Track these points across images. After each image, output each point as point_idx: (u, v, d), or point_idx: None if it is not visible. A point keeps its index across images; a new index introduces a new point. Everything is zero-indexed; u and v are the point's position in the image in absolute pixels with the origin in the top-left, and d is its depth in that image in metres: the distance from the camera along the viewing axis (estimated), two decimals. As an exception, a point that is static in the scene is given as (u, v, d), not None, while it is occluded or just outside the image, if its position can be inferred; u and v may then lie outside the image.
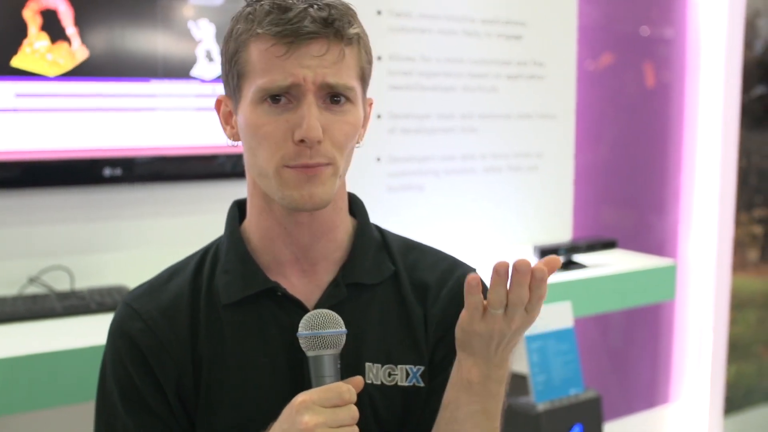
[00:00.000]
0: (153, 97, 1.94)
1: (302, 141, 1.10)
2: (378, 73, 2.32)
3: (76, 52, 1.84)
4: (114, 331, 1.22)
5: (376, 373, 1.22)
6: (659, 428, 3.19)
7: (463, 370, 1.13)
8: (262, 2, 1.13)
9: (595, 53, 2.83)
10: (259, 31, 1.11)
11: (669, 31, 3.02)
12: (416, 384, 1.23)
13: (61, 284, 1.92)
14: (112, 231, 1.99)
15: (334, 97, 1.13)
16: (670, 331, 3.18)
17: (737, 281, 3.21)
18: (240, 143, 1.19)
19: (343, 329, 1.11)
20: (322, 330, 1.10)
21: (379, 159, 2.36)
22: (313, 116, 1.09)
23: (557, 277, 2.25)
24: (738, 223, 3.18)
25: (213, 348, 1.20)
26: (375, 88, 2.29)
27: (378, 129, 2.34)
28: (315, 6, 1.11)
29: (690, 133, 3.10)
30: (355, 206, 1.30)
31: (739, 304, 3.25)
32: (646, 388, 3.16)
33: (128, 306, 1.22)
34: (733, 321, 3.23)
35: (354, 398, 1.07)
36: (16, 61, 1.78)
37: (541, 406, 2.16)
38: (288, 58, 1.10)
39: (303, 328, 1.11)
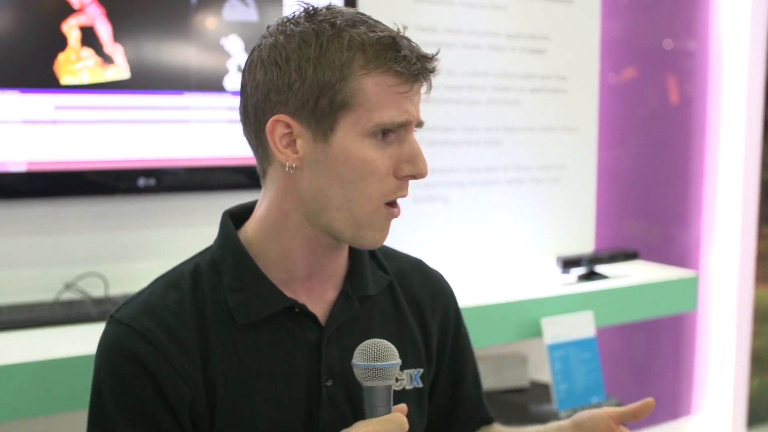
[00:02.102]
0: (186, 110, 2.00)
1: (411, 176, 1.12)
2: (404, 86, 2.37)
3: (112, 66, 1.90)
4: (113, 353, 1.14)
5: None
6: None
7: None
8: (345, 29, 1.11)
9: (617, 66, 2.86)
10: (379, 67, 1.10)
11: (692, 43, 3.04)
12: (416, 386, 1.28)
13: (96, 290, 1.97)
14: (145, 239, 2.04)
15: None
16: (693, 343, 3.19)
17: (760, 293, 3.22)
18: (292, 167, 1.14)
19: (398, 361, 1.10)
20: (380, 363, 1.09)
21: (404, 170, 2.40)
22: (422, 153, 1.13)
23: (580, 287, 2.28)
24: (761, 236, 3.19)
25: (228, 369, 1.16)
26: (401, 101, 2.35)
27: (403, 141, 2.39)
28: (415, 50, 1.12)
29: (712, 146, 3.12)
30: None
31: (762, 317, 3.25)
32: (669, 400, 3.16)
33: (125, 325, 1.15)
34: (756, 333, 3.24)
35: (407, 427, 1.08)
36: (56, 74, 1.85)
37: (563, 414, 2.18)
38: (407, 96, 1.11)
39: (359, 359, 1.09)
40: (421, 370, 1.29)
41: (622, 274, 2.43)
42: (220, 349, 1.16)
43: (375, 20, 1.16)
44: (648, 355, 3.06)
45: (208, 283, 1.19)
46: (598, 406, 2.27)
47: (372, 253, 1.31)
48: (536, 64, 2.58)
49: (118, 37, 1.89)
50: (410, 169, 1.12)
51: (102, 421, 1.14)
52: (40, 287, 1.94)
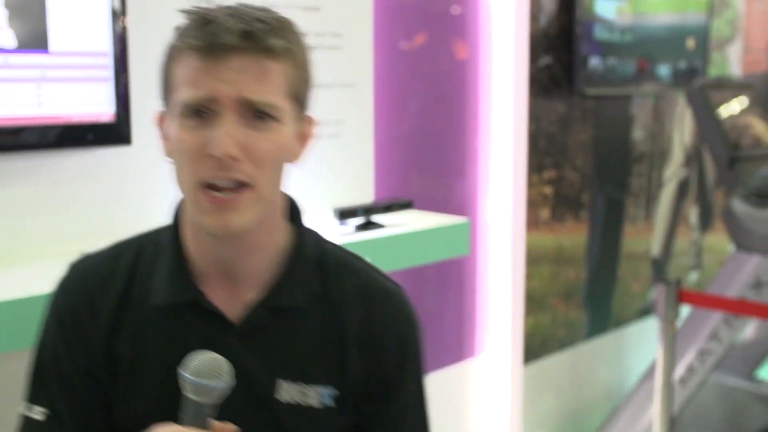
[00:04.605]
0: None
1: (209, 156, 1.08)
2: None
3: None
4: (53, 295, 1.27)
5: (288, 390, 1.22)
6: (467, 381, 3.39)
7: None
8: (193, 15, 1.12)
9: (394, 29, 2.96)
10: (181, 45, 1.11)
11: (457, 8, 3.19)
12: (327, 405, 1.24)
13: None
14: None
15: (258, 114, 1.10)
16: (474, 288, 3.38)
17: (531, 238, 3.45)
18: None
19: (226, 383, 1.09)
20: (204, 381, 1.08)
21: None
22: (225, 131, 1.07)
23: (356, 237, 2.37)
24: (530, 184, 3.41)
25: (135, 346, 1.21)
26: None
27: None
28: (239, 18, 1.09)
29: (485, 102, 3.30)
30: (295, 215, 1.28)
31: (533, 260, 3.49)
32: (454, 343, 3.34)
33: (67, 278, 1.28)
34: (529, 276, 3.47)
35: None
36: None
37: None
38: (207, 72, 1.08)
39: (186, 371, 1.09)
40: (337, 393, 1.24)
41: (398, 224, 2.55)
42: (131, 326, 1.21)
43: (249, 8, 1.13)
44: (432, 302, 3.22)
45: (146, 264, 1.24)
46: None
47: (320, 257, 1.27)
48: (310, 22, 2.63)
49: None
50: (209, 148, 1.08)
51: (37, 351, 1.26)
52: None
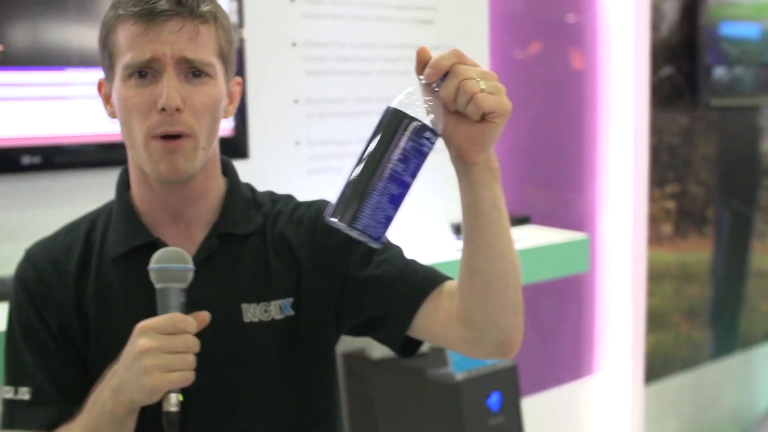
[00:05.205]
0: (68, 86, 1.97)
1: (163, 110, 1.20)
2: (293, 59, 2.38)
3: (-11, 42, 1.87)
4: (14, 278, 1.35)
5: (253, 311, 1.33)
6: (586, 398, 3.31)
7: (465, 158, 1.14)
8: None
9: (509, 39, 2.93)
10: (121, 12, 1.22)
11: (573, 16, 3.13)
12: (288, 315, 1.35)
13: (-18, 271, 1.95)
14: (31, 218, 2.01)
15: (194, 72, 1.23)
16: (593, 305, 3.30)
17: (653, 255, 3.34)
18: (118, 120, 1.28)
19: (189, 266, 1.21)
20: (168, 264, 1.20)
21: (298, 143, 2.42)
22: (170, 86, 1.20)
23: (472, 252, 2.34)
24: (652, 199, 3.31)
25: (101, 300, 1.31)
26: (290, 74, 2.37)
27: (296, 114, 2.40)
28: None
29: (604, 114, 3.22)
30: (227, 168, 1.42)
31: (655, 276, 3.38)
32: (572, 360, 3.27)
33: (26, 257, 1.37)
34: (651, 293, 3.37)
35: (191, 329, 1.18)
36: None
37: (459, 376, 2.24)
38: (147, 36, 1.20)
39: (152, 263, 1.20)
40: (291, 299, 1.35)
41: (514, 239, 2.50)
42: (96, 283, 1.31)
43: None
44: (549, 318, 3.16)
45: (101, 228, 1.36)
46: (494, 368, 2.34)
47: (255, 199, 1.42)
48: (425, 34, 2.63)
49: (-7, 12, 1.86)
50: (159, 101, 1.19)
51: (8, 334, 1.34)
52: None
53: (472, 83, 1.04)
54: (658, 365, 3.47)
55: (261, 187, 2.29)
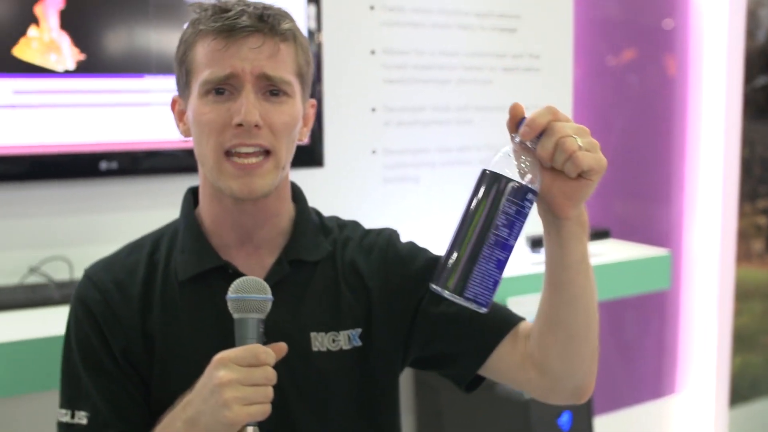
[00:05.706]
0: (147, 93, 2.00)
1: (240, 125, 1.18)
2: (372, 67, 2.37)
3: (74, 50, 1.90)
4: (74, 299, 1.32)
5: (322, 341, 1.31)
6: (666, 419, 3.21)
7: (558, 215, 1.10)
8: (207, 8, 1.23)
9: (593, 45, 2.85)
10: (201, 28, 1.21)
11: (670, 22, 3.03)
12: (355, 345, 1.32)
13: (61, 274, 1.99)
14: (109, 222, 2.05)
15: (272, 90, 1.22)
16: (676, 322, 3.19)
17: (742, 272, 3.21)
18: (191, 138, 1.27)
19: (269, 296, 1.18)
20: (248, 294, 1.16)
21: (374, 151, 2.40)
22: (249, 102, 1.18)
23: (548, 267, 2.28)
24: (742, 213, 3.18)
25: (167, 322, 1.29)
26: (369, 82, 2.35)
27: (373, 122, 2.39)
28: (251, 6, 1.22)
29: (693, 124, 3.11)
30: (297, 194, 1.40)
31: (743, 295, 3.25)
32: (653, 379, 3.17)
33: (87, 277, 1.33)
34: (738, 312, 3.24)
35: (270, 361, 1.13)
36: (15, 58, 1.85)
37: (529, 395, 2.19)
38: (227, 51, 1.19)
39: (231, 292, 1.17)
40: (359, 330, 1.33)
41: (593, 254, 2.43)
42: (162, 304, 1.29)
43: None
44: (631, 335, 3.07)
45: (165, 248, 1.33)
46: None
47: (323, 225, 1.40)
48: (508, 42, 2.57)
49: (77, 21, 1.89)
50: (237, 117, 1.18)
51: (68, 356, 1.30)
52: (4, 271, 1.96)
53: (570, 141, 1.03)
54: (745, 388, 3.33)
55: (335, 196, 2.28)
